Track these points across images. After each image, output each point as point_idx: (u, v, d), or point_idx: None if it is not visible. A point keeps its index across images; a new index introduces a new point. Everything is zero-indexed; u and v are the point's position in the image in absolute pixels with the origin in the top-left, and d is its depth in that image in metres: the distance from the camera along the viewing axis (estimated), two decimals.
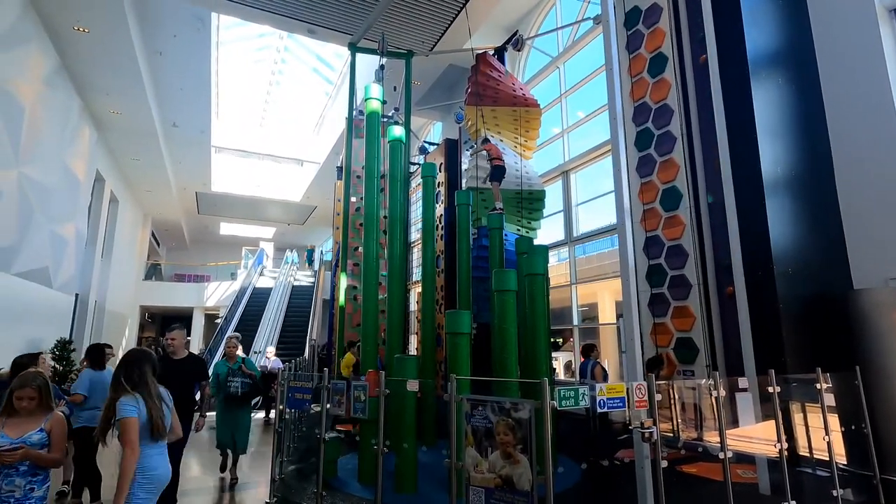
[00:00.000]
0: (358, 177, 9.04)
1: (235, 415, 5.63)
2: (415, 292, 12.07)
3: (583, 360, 6.57)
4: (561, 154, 9.19)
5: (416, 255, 12.48)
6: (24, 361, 4.31)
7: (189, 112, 13.81)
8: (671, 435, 4.05)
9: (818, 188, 4.53)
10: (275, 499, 4.81)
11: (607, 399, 2.82)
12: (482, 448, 2.84)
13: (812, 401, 3.77)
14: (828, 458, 3.53)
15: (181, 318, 22.48)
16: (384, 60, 8.44)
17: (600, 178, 8.42)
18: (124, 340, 19.11)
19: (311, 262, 28.47)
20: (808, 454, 3.85)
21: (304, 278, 22.91)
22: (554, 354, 8.08)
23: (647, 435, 2.91)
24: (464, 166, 9.40)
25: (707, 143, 4.64)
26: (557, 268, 8.96)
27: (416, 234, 11.87)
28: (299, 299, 19.84)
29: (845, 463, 3.72)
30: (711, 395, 3.28)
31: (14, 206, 8.68)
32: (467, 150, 9.11)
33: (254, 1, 8.67)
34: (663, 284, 4.80)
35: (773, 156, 4.28)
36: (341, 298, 8.98)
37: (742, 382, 3.67)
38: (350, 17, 8.90)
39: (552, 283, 7.49)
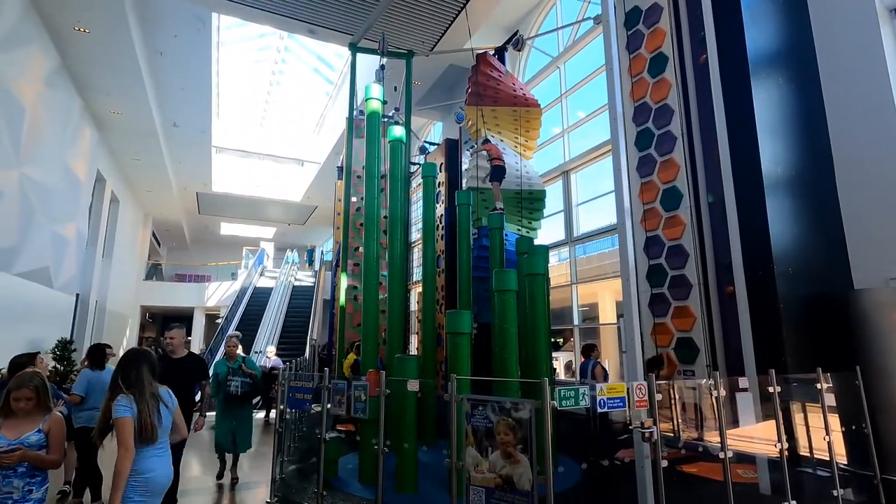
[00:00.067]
0: (358, 177, 9.04)
1: (235, 414, 5.60)
2: (415, 292, 12.07)
3: (583, 360, 6.57)
4: (561, 154, 9.19)
5: (417, 254, 12.48)
6: (22, 361, 4.26)
7: (190, 112, 13.82)
8: (671, 435, 4.05)
9: (818, 188, 4.53)
10: (275, 498, 4.82)
11: (608, 399, 2.82)
12: (482, 448, 2.84)
13: (812, 401, 3.77)
14: (828, 458, 3.52)
15: (182, 318, 22.53)
16: (384, 60, 8.44)
17: (601, 178, 8.42)
18: (125, 340, 19.12)
19: (311, 261, 28.49)
20: (808, 454, 3.85)
21: (304, 278, 22.93)
22: (554, 354, 8.08)
23: (647, 435, 2.91)
24: (464, 166, 9.40)
25: (707, 142, 4.63)
26: (558, 268, 8.96)
27: (416, 234, 11.88)
28: (300, 299, 19.85)
29: (846, 463, 3.72)
30: (712, 394, 3.28)
31: (15, 207, 8.69)
32: (468, 150, 9.11)
33: (254, 1, 8.67)
34: (664, 284, 4.80)
35: (773, 155, 4.28)
36: (342, 298, 8.99)
37: (742, 382, 3.67)
38: (350, 18, 8.91)
39: (552, 283, 7.49)
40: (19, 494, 2.56)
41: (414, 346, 11.32)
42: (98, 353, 4.88)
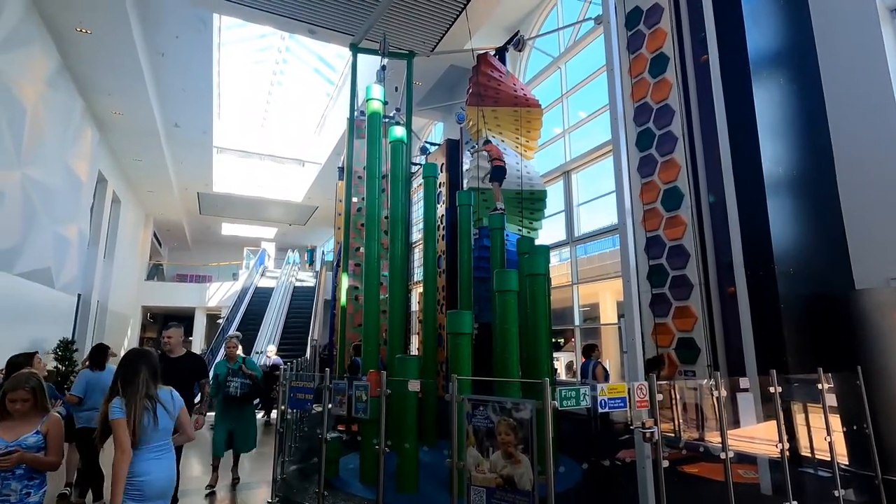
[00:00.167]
0: (359, 177, 9.05)
1: (235, 416, 5.54)
2: (416, 292, 12.08)
3: (584, 360, 6.57)
4: (562, 154, 9.20)
5: (418, 255, 12.49)
6: (20, 361, 4.17)
7: (191, 112, 13.84)
8: (672, 435, 4.05)
9: (820, 188, 4.52)
10: (276, 499, 4.83)
11: (608, 399, 2.82)
12: (483, 448, 2.84)
13: (813, 401, 3.77)
14: (829, 459, 3.52)
15: (183, 319, 22.55)
16: (385, 61, 8.45)
17: (601, 179, 8.42)
18: (126, 341, 19.15)
19: (311, 261, 28.51)
20: (809, 454, 3.85)
21: (305, 278, 22.96)
22: (555, 354, 8.08)
23: (648, 435, 2.91)
24: (465, 167, 9.41)
25: (708, 143, 4.63)
26: (559, 268, 8.96)
27: (417, 235, 11.88)
28: (301, 300, 19.87)
29: (847, 463, 3.71)
30: (713, 395, 3.28)
31: (17, 207, 8.71)
32: (469, 150, 9.11)
33: (255, 2, 8.69)
34: (664, 284, 4.80)
35: (774, 155, 4.28)
36: (343, 299, 8.99)
37: (743, 382, 3.67)
38: (351, 18, 8.92)
39: (553, 283, 7.49)
40: (17, 497, 2.51)
41: (415, 347, 11.32)
42: (98, 354, 4.87)
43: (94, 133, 13.07)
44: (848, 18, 4.65)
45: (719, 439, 3.16)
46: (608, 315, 8.43)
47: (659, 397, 2.95)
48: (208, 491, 5.23)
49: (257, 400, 5.96)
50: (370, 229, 6.47)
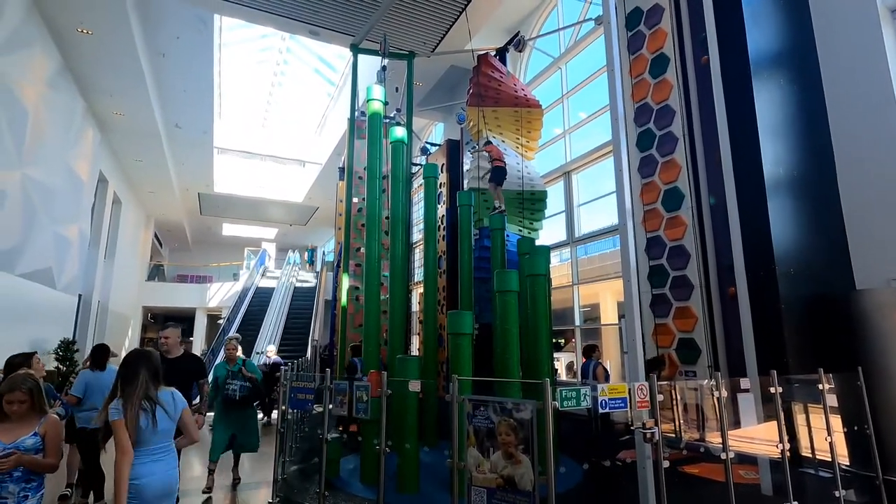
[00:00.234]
0: (360, 177, 9.05)
1: (235, 418, 5.49)
2: (417, 293, 12.08)
3: (584, 360, 6.57)
4: (563, 155, 9.20)
5: (418, 255, 12.49)
6: (18, 361, 4.14)
7: (192, 113, 13.85)
8: (673, 435, 4.06)
9: (820, 188, 4.52)
10: (277, 499, 4.83)
11: (609, 399, 2.82)
12: (484, 448, 2.84)
13: (814, 401, 3.77)
14: (830, 459, 3.52)
15: (184, 319, 22.60)
16: (386, 61, 8.46)
17: (602, 179, 8.43)
18: (127, 341, 19.16)
19: (311, 261, 28.51)
20: (810, 455, 3.85)
21: (306, 279, 22.96)
22: (556, 355, 8.08)
23: (648, 435, 2.91)
24: (466, 167, 9.41)
25: (709, 143, 4.63)
26: (559, 268, 8.96)
27: (417, 235, 11.88)
28: (301, 300, 19.88)
29: (848, 464, 3.72)
30: (713, 395, 3.28)
31: (18, 208, 8.72)
32: (469, 150, 9.12)
33: (256, 2, 8.70)
34: (665, 285, 4.80)
35: (774, 156, 4.28)
36: (343, 299, 8.99)
37: (744, 383, 3.67)
38: (352, 19, 8.93)
39: (554, 283, 7.49)
40: (14, 500, 2.48)
41: (415, 347, 11.32)
42: (101, 354, 4.87)
43: (95, 133, 13.09)
44: (848, 19, 4.65)
45: (720, 440, 3.16)
46: (609, 315, 8.43)
47: (659, 398, 2.95)
48: (205, 496, 5.22)
49: (256, 402, 5.93)
50: (371, 230, 6.47)
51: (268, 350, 11.28)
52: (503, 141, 8.16)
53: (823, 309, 4.12)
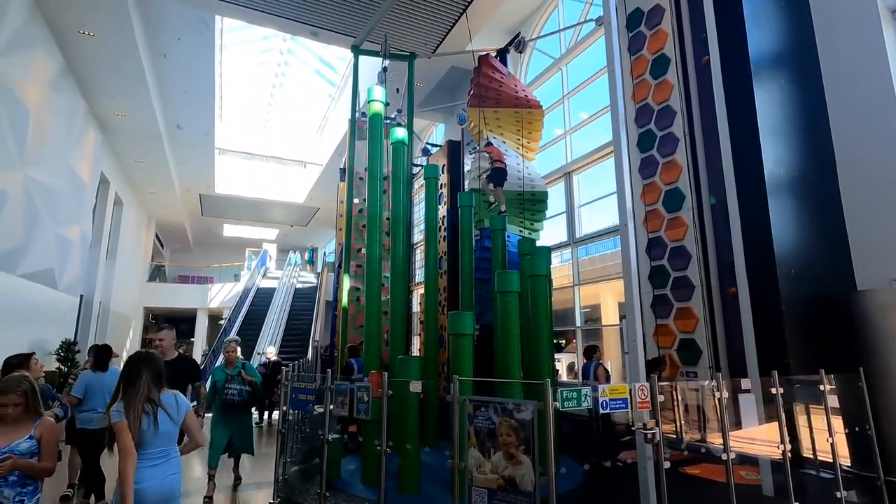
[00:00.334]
0: (361, 178, 9.06)
1: (233, 420, 5.44)
2: (417, 294, 12.08)
3: (585, 361, 6.57)
4: (563, 155, 9.20)
5: (419, 256, 12.49)
6: (16, 362, 4.12)
7: (193, 114, 13.87)
8: (674, 436, 4.05)
9: (821, 189, 4.52)
10: (278, 499, 4.83)
11: (610, 400, 2.82)
12: (485, 449, 2.84)
13: (815, 402, 3.77)
14: (831, 460, 3.52)
15: (185, 320, 22.65)
16: (387, 62, 8.46)
17: (603, 180, 8.42)
18: (128, 342, 19.19)
19: (311, 261, 28.52)
20: (811, 456, 3.84)
21: (307, 279, 22.98)
22: (557, 356, 8.07)
23: (649, 436, 2.91)
24: (467, 168, 9.42)
25: (710, 144, 4.63)
26: (560, 269, 8.96)
27: (418, 236, 11.89)
28: (302, 301, 19.89)
29: (849, 465, 3.71)
30: (714, 396, 3.28)
31: (20, 209, 8.73)
32: (470, 151, 9.13)
33: (257, 4, 8.71)
34: (666, 286, 4.80)
35: (775, 157, 4.28)
36: (344, 300, 9.00)
37: (745, 384, 3.66)
38: (353, 20, 8.94)
39: (555, 284, 7.48)
40: None
41: (416, 348, 11.32)
42: (103, 354, 4.86)
43: (97, 135, 13.11)
44: (849, 19, 4.65)
45: (721, 440, 3.15)
46: (609, 316, 8.42)
47: (660, 398, 2.95)
48: (208, 499, 5.20)
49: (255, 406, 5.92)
50: (371, 230, 6.48)
51: (268, 351, 11.29)
52: (504, 142, 8.16)
53: (824, 309, 4.12)
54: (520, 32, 10.04)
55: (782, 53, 4.72)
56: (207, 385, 6.48)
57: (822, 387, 3.59)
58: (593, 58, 8.88)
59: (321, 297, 19.83)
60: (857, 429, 3.70)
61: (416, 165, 10.99)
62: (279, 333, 16.81)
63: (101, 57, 10.11)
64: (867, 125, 4.41)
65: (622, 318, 7.56)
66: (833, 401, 3.68)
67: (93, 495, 4.73)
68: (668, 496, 2.82)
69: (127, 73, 10.72)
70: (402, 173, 6.97)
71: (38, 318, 9.81)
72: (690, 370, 4.53)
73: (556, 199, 8.83)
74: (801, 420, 3.95)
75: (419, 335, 10.21)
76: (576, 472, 5.59)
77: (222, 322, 20.04)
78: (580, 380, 6.93)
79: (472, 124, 8.27)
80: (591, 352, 6.51)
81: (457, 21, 8.96)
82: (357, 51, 9.04)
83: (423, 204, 8.71)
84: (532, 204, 8.01)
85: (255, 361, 12.14)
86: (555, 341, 6.71)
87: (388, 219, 7.39)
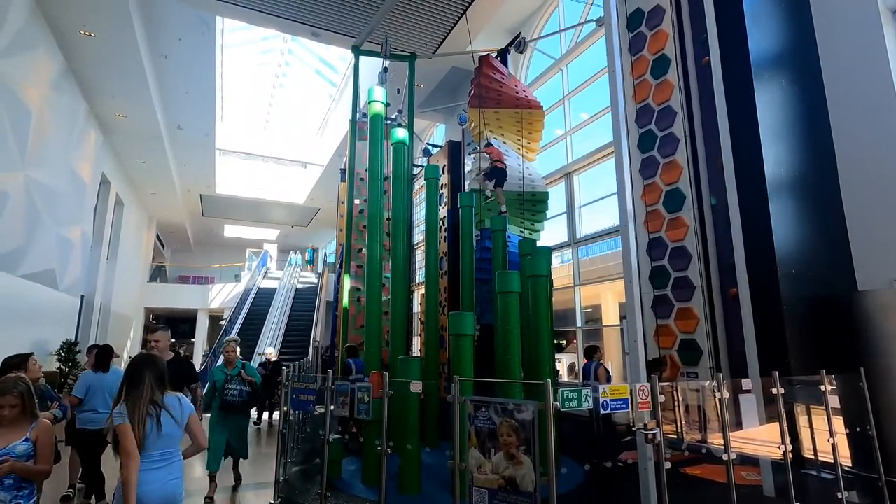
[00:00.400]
0: (361, 179, 9.06)
1: (233, 421, 5.39)
2: (418, 294, 12.08)
3: (586, 361, 6.57)
4: (564, 156, 9.20)
5: (420, 256, 12.50)
6: (15, 362, 4.08)
7: (194, 115, 13.89)
8: (675, 437, 4.05)
9: (822, 189, 4.52)
10: (279, 499, 4.83)
11: (610, 400, 2.82)
12: (485, 449, 2.84)
13: (816, 403, 3.76)
14: (832, 461, 3.51)
15: (186, 320, 22.67)
16: (387, 63, 8.47)
17: (603, 180, 8.43)
18: (129, 342, 19.20)
19: (311, 261, 28.54)
20: (812, 456, 3.84)
21: (308, 279, 22.99)
22: (557, 356, 8.07)
23: (650, 436, 2.91)
24: (467, 168, 9.43)
25: (710, 144, 4.63)
26: (561, 269, 8.96)
27: (419, 236, 11.89)
28: (303, 301, 19.90)
29: (850, 465, 3.71)
30: (715, 396, 3.28)
31: (21, 209, 8.75)
32: (470, 152, 9.13)
33: (258, 4, 8.72)
34: (667, 286, 4.79)
35: (776, 157, 4.28)
36: (345, 300, 9.00)
37: (746, 384, 3.67)
38: (354, 20, 8.95)
39: (555, 284, 7.49)
40: None
41: (417, 348, 11.33)
42: (105, 355, 4.85)
43: (98, 135, 13.13)
44: (849, 19, 4.65)
45: (721, 441, 3.15)
46: (610, 316, 8.42)
47: (661, 399, 2.95)
48: (209, 500, 5.18)
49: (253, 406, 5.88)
50: (372, 231, 6.48)
51: (268, 352, 11.29)
52: (504, 142, 8.17)
53: (825, 310, 4.12)
54: (520, 33, 10.05)
55: (783, 54, 4.72)
56: (206, 385, 6.48)
57: (822, 387, 3.59)
58: (594, 58, 8.89)
59: (322, 298, 19.83)
60: (857, 429, 3.70)
61: (417, 166, 11.00)
62: (280, 334, 16.82)
63: (103, 57, 10.12)
64: (868, 125, 4.41)
65: (623, 318, 7.56)
66: (834, 401, 3.68)
67: (93, 496, 4.72)
68: (669, 497, 2.82)
69: (128, 73, 10.74)
70: (402, 174, 6.97)
71: (38, 319, 9.82)
72: (691, 370, 4.53)
73: (556, 200, 8.83)
74: (802, 420, 3.95)
75: (420, 335, 10.22)
76: (576, 472, 5.58)
77: (223, 322, 20.05)
78: (581, 380, 6.93)
79: (473, 125, 8.28)
80: (592, 352, 6.51)
81: (457, 22, 8.96)
82: (358, 51, 9.05)
83: (423, 204, 8.71)
84: (532, 204, 8.01)
85: (255, 362, 12.13)
86: (555, 342, 6.70)
87: (388, 219, 7.39)
